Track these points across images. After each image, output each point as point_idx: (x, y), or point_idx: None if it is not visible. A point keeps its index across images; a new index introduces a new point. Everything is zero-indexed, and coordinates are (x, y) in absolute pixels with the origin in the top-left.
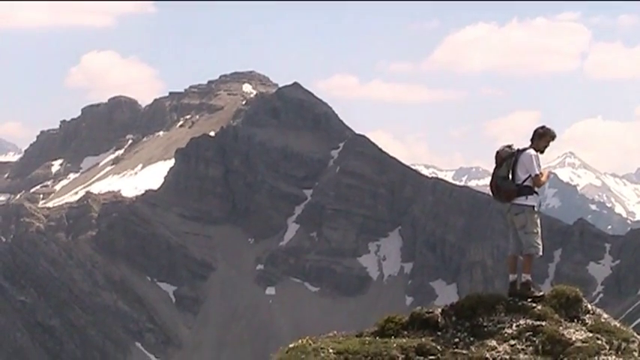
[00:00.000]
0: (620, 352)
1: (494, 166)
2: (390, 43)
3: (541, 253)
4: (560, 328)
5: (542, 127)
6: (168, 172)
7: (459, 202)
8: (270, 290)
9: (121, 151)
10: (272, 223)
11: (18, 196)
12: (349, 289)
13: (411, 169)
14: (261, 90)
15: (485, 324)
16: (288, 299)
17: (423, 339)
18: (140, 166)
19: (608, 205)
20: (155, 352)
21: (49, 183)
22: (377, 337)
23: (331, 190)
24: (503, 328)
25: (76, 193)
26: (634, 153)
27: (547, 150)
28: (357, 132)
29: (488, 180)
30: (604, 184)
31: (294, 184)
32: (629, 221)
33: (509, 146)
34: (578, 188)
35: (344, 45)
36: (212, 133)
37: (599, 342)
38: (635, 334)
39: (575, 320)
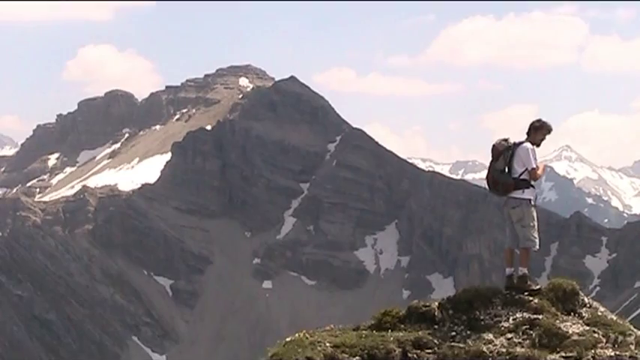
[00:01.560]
0: (616, 346)
1: (490, 159)
2: (388, 37)
3: (538, 247)
4: (557, 321)
5: (539, 121)
6: (165, 166)
7: (455, 196)
8: (267, 284)
9: (117, 145)
10: (269, 217)
11: (14, 190)
12: (346, 283)
13: (408, 162)
14: (257, 84)
15: (482, 317)
16: (285, 293)
17: (420, 332)
18: (137, 159)
19: (605, 198)
20: (152, 346)
21: (45, 177)
22: (374, 331)
23: (328, 184)
24: (500, 322)
25: (73, 186)
26: (630, 146)
27: (543, 143)
28: (354, 125)
29: (485, 173)
30: (601, 178)
31: (291, 177)
32: (625, 214)
33: (506, 140)
34: (575, 181)
35: (341, 38)
36: (209, 127)
37: (596, 335)
38: (632, 328)
39: (572, 314)
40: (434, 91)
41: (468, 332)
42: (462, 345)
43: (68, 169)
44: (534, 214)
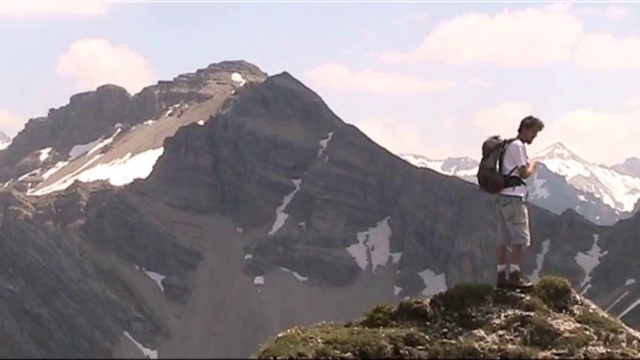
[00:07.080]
0: (608, 343)
1: (481, 157)
2: (381, 34)
3: (529, 244)
4: (549, 318)
5: (530, 118)
6: (157, 161)
7: (448, 193)
8: (259, 280)
9: (109, 140)
10: (261, 213)
11: (6, 184)
12: (338, 279)
13: (401, 159)
14: (250, 79)
15: (473, 314)
16: (276, 289)
17: (412, 329)
18: (129, 154)
19: (597, 195)
20: (143, 342)
21: (37, 171)
22: (366, 327)
23: (320, 180)
24: (492, 319)
25: (65, 181)
26: (623, 144)
27: (536, 140)
28: (346, 122)
29: (477, 170)
30: (593, 175)
31: (283, 173)
32: (617, 212)
33: (496, 137)
34: (567, 179)
35: (334, 35)
36: (201, 122)
37: (588, 333)
38: (623, 325)
39: (564, 311)
40: (427, 88)
41: (460, 329)
42: (453, 342)
43: (60, 164)
44: (525, 212)
